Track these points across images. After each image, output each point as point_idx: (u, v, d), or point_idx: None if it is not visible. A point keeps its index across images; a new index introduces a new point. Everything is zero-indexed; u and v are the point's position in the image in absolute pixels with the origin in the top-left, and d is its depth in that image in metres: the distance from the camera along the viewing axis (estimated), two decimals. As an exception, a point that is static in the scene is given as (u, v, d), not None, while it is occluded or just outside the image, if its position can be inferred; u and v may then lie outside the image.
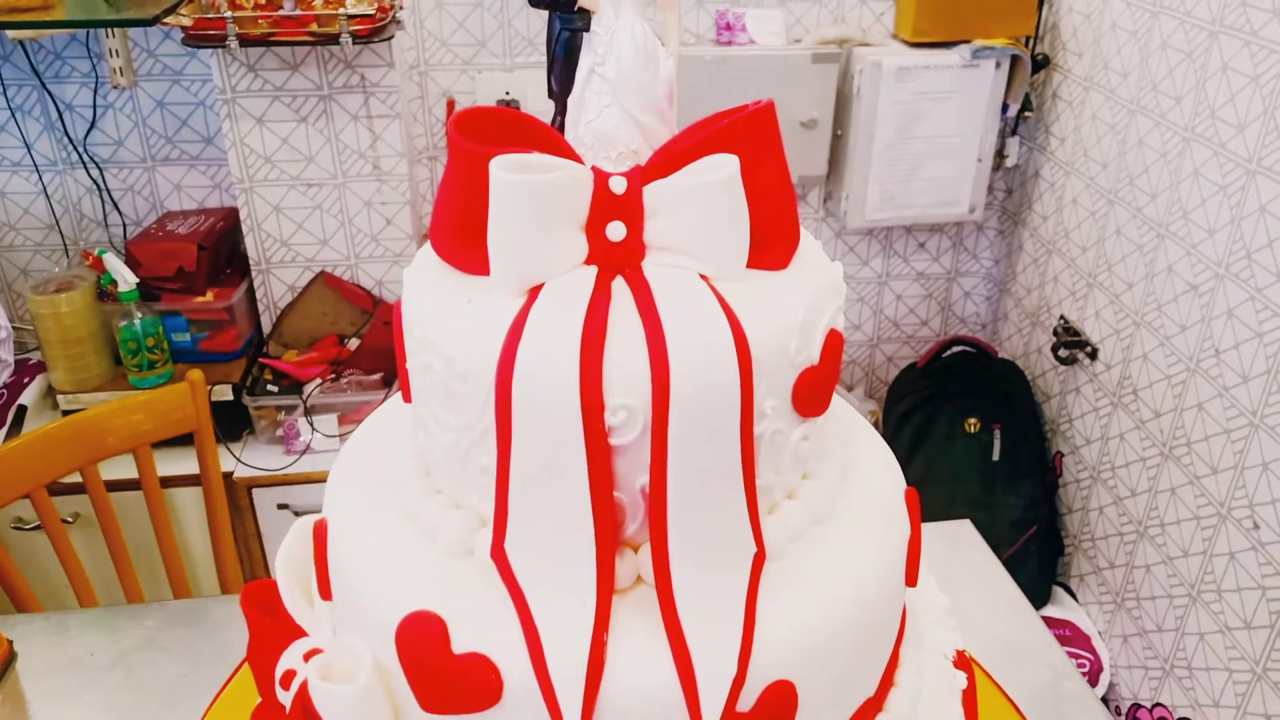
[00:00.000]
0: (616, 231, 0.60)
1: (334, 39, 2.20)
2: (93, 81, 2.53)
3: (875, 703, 0.70)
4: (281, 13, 2.25)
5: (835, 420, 0.75)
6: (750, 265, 0.63)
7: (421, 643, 0.59)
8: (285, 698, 0.69)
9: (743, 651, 0.58)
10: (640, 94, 0.61)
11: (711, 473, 0.58)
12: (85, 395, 2.48)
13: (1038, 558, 2.58)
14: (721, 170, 0.57)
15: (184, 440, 1.93)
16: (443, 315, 0.61)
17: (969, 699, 0.76)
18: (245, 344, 2.61)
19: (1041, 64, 2.56)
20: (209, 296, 2.54)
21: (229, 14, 2.15)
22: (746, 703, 0.59)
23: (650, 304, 0.57)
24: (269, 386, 2.55)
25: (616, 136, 0.62)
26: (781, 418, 0.62)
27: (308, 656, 0.67)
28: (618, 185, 0.60)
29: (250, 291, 2.61)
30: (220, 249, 2.59)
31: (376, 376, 2.57)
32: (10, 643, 1.02)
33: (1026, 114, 2.62)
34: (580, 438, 0.55)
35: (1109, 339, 2.46)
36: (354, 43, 2.20)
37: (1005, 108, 2.58)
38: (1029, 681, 0.98)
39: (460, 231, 0.61)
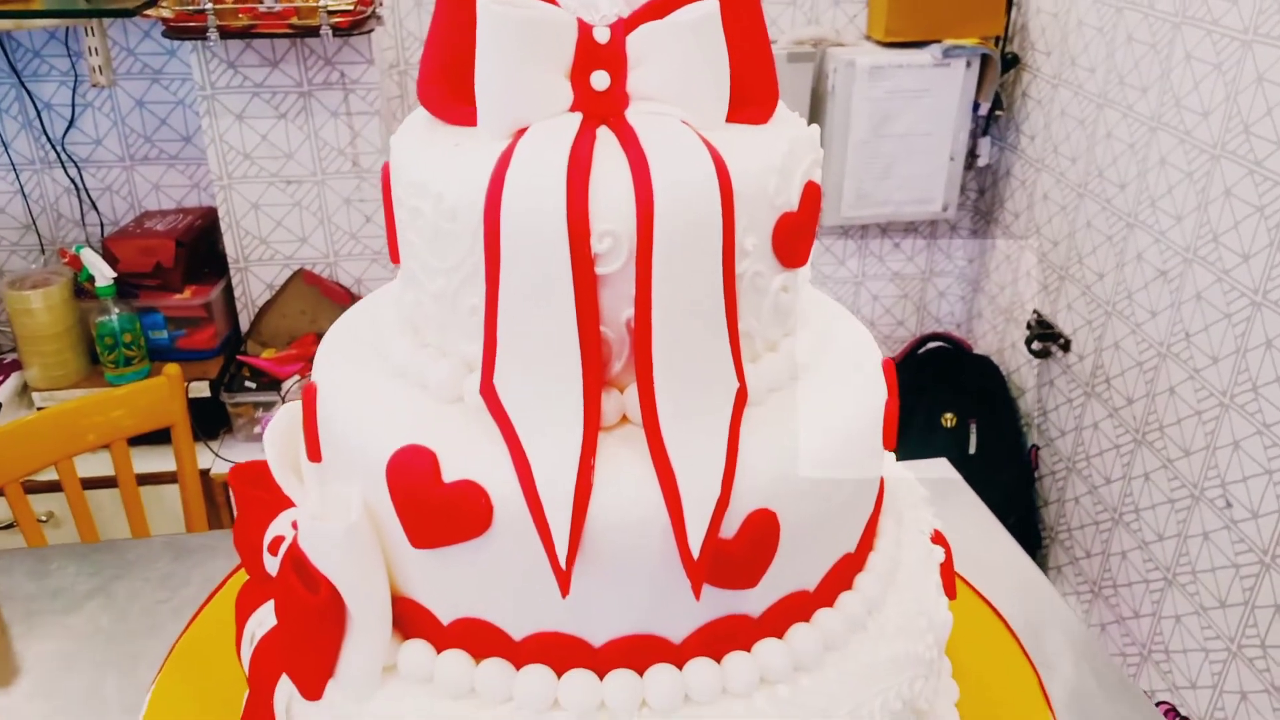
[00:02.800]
0: (600, 80, 0.61)
1: (314, 31, 2.22)
2: (71, 80, 2.53)
3: (856, 561, 0.71)
4: (262, 7, 2.26)
5: (818, 301, 0.76)
6: (730, 120, 0.64)
7: (412, 474, 0.59)
8: (273, 563, 0.69)
9: (725, 477, 0.58)
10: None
11: (695, 305, 0.59)
12: (60, 393, 2.46)
13: (1016, 550, 2.58)
14: (701, 11, 0.59)
15: (161, 439, 1.91)
16: (430, 157, 0.62)
17: (947, 571, 0.77)
18: (223, 342, 2.60)
19: (1011, 63, 2.62)
20: (187, 294, 2.53)
21: (209, 6, 2.17)
22: (730, 529, 0.60)
23: (634, 140, 0.59)
24: (247, 383, 2.54)
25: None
26: (762, 260, 0.63)
27: (296, 524, 0.67)
28: (601, 34, 0.61)
29: (228, 289, 2.60)
30: (198, 247, 2.58)
31: (354, 373, 2.56)
32: (-13, 574, 1.02)
33: (998, 113, 2.67)
34: (567, 265, 0.56)
35: (1081, 330, 2.49)
36: (334, 35, 2.22)
37: (976, 106, 2.63)
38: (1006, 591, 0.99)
39: (448, 80, 0.62)
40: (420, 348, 0.66)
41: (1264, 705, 1.99)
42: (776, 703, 0.64)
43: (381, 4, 2.41)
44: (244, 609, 0.72)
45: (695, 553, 0.57)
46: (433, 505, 0.59)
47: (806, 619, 0.67)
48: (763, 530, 0.61)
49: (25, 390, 2.47)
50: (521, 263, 0.57)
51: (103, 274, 2.36)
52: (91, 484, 1.91)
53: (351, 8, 2.26)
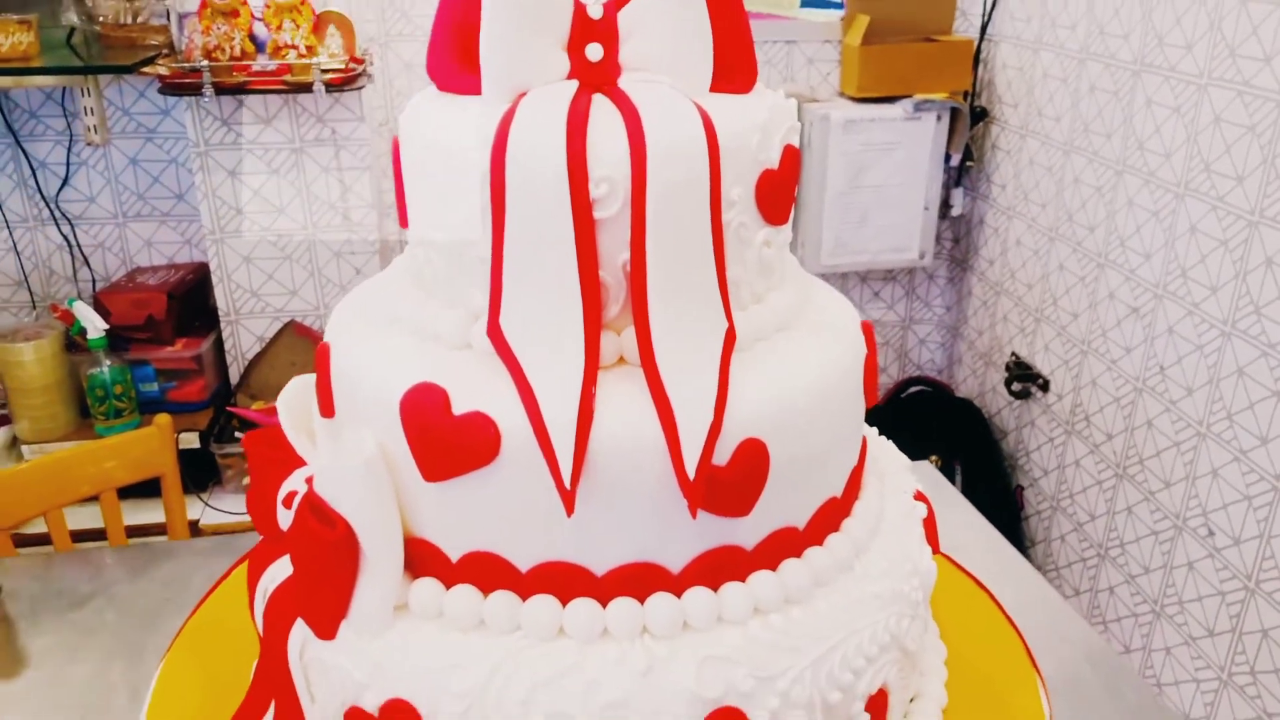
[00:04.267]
0: (595, 52, 0.66)
1: (307, 88, 2.29)
2: (66, 139, 2.59)
3: (843, 506, 0.74)
4: (256, 65, 2.34)
5: (800, 270, 0.80)
6: (714, 90, 0.69)
7: (424, 408, 0.63)
8: (286, 517, 0.71)
9: (717, 405, 0.62)
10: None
11: (686, 248, 0.63)
12: (50, 445, 2.47)
13: (1003, 588, 2.60)
14: (687, -15, 0.64)
15: (149, 492, 1.90)
16: (440, 119, 0.67)
17: (929, 526, 0.80)
18: (212, 395, 2.62)
19: (980, 115, 2.71)
20: (177, 346, 2.56)
21: (205, 64, 2.24)
22: (723, 457, 0.63)
23: (627, 100, 0.63)
24: (236, 434, 2.55)
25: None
26: (747, 212, 0.68)
27: (310, 478, 0.69)
28: (595, 10, 0.66)
29: (218, 342, 2.63)
30: (190, 300, 2.62)
31: (344, 423, 2.58)
32: (-6, 574, 1.03)
33: (969, 163, 2.76)
34: (567, 209, 0.60)
35: (1059, 369, 2.54)
36: (327, 91, 2.29)
37: (948, 158, 2.72)
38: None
39: (455, 52, 0.67)
40: (428, 301, 0.70)
41: (1255, 732, 1.99)
42: (770, 630, 0.66)
43: (372, 63, 2.49)
44: (256, 570, 0.74)
45: (691, 473, 0.61)
46: (444, 437, 0.62)
47: (797, 555, 0.70)
48: (753, 459, 0.64)
49: (15, 444, 2.48)
50: (525, 208, 0.61)
51: (95, 326, 2.39)
52: (80, 536, 1.91)
53: (343, 66, 2.33)
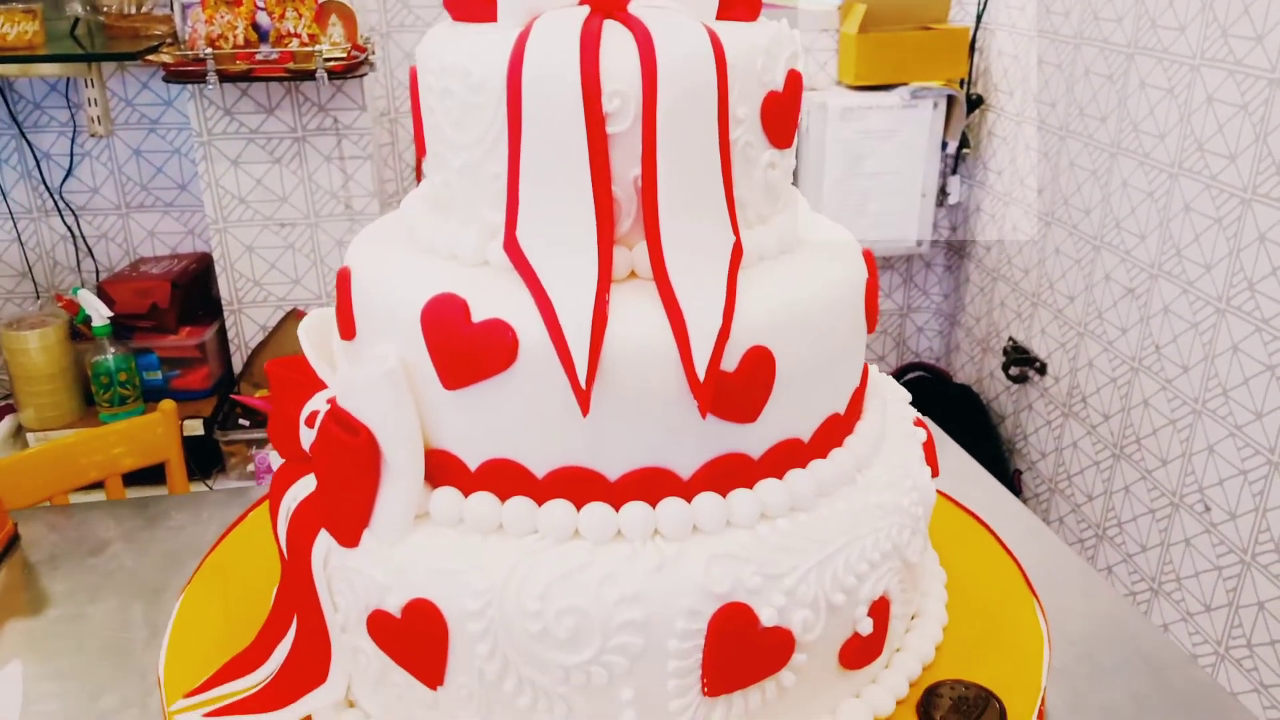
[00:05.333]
0: (605, -19, 0.69)
1: (309, 75, 2.31)
2: (70, 130, 2.61)
3: (846, 424, 0.77)
4: (259, 55, 2.36)
5: (804, 202, 0.82)
6: (720, 18, 0.72)
7: (444, 317, 0.65)
8: (309, 436, 0.73)
9: (726, 312, 0.64)
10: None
11: (695, 162, 0.65)
12: (54, 433, 2.48)
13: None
14: (694, -92, 0.67)
15: (154, 479, 1.91)
16: (457, 44, 0.69)
17: (929, 449, 0.83)
18: (216, 383, 2.64)
19: (976, 103, 2.74)
20: (181, 334, 2.58)
21: (209, 52, 2.26)
22: (731, 362, 0.66)
23: (637, 21, 0.66)
24: (240, 421, 2.57)
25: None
26: (752, 132, 0.70)
27: (332, 398, 0.72)
28: (605, -63, 0.69)
29: (222, 331, 2.65)
30: (193, 289, 2.64)
31: (347, 410, 2.59)
32: (15, 524, 1.04)
33: (965, 151, 2.79)
34: (581, 123, 0.63)
35: (1056, 352, 2.57)
36: (329, 79, 2.31)
37: (945, 145, 2.74)
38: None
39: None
40: (446, 222, 0.72)
41: (1254, 704, 2.01)
42: (777, 533, 0.68)
43: (374, 52, 2.52)
44: (278, 491, 0.76)
45: (701, 375, 0.63)
46: (463, 344, 0.64)
47: (802, 466, 0.72)
48: (760, 365, 0.67)
49: (20, 432, 2.49)
50: (540, 123, 0.63)
51: (99, 313, 2.40)
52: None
53: (346, 54, 2.36)
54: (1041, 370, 2.61)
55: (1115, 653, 0.92)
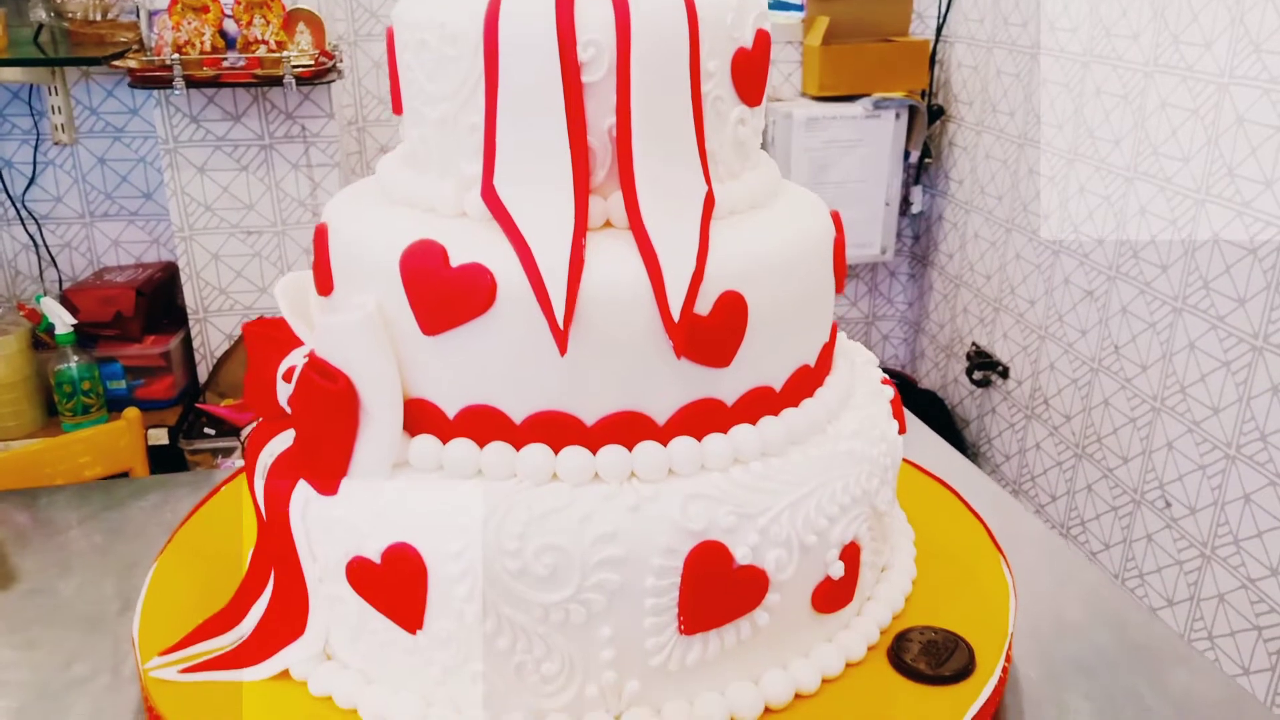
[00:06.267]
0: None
1: (277, 81, 2.31)
2: (33, 138, 2.60)
3: (816, 376, 0.78)
4: (226, 63, 2.36)
5: (774, 165, 0.84)
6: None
7: (423, 262, 0.66)
8: (286, 390, 0.74)
9: (699, 256, 0.66)
10: None
11: (668, 112, 0.67)
12: (15, 443, 2.45)
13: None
14: None
15: None
16: (434, -2, 0.71)
17: (896, 405, 0.84)
18: (181, 393, 2.61)
19: (937, 114, 2.79)
20: (146, 343, 2.56)
21: (175, 57, 2.26)
22: (704, 306, 0.67)
23: (610, -28, 0.67)
24: (206, 430, 2.54)
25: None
26: (723, 86, 0.72)
27: (310, 352, 0.72)
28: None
29: (187, 340, 2.63)
30: (158, 298, 2.62)
31: (314, 419, 2.58)
32: (-19, 501, 1.04)
33: (927, 160, 2.84)
34: (557, 72, 0.64)
35: (1018, 356, 2.61)
36: (297, 85, 2.32)
37: (907, 155, 2.79)
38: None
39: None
40: (422, 176, 0.74)
41: (1214, 696, 2.04)
42: (750, 475, 0.70)
43: (342, 60, 2.53)
44: (254, 448, 0.76)
45: (676, 315, 0.64)
46: (442, 287, 0.65)
47: (774, 414, 0.74)
48: (733, 309, 0.68)
49: (-20, 441, 2.45)
50: (516, 73, 0.65)
51: (63, 321, 2.38)
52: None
53: (313, 61, 2.36)
54: (1004, 374, 2.65)
55: (1078, 608, 0.94)
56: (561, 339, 0.63)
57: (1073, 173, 2.39)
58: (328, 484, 0.69)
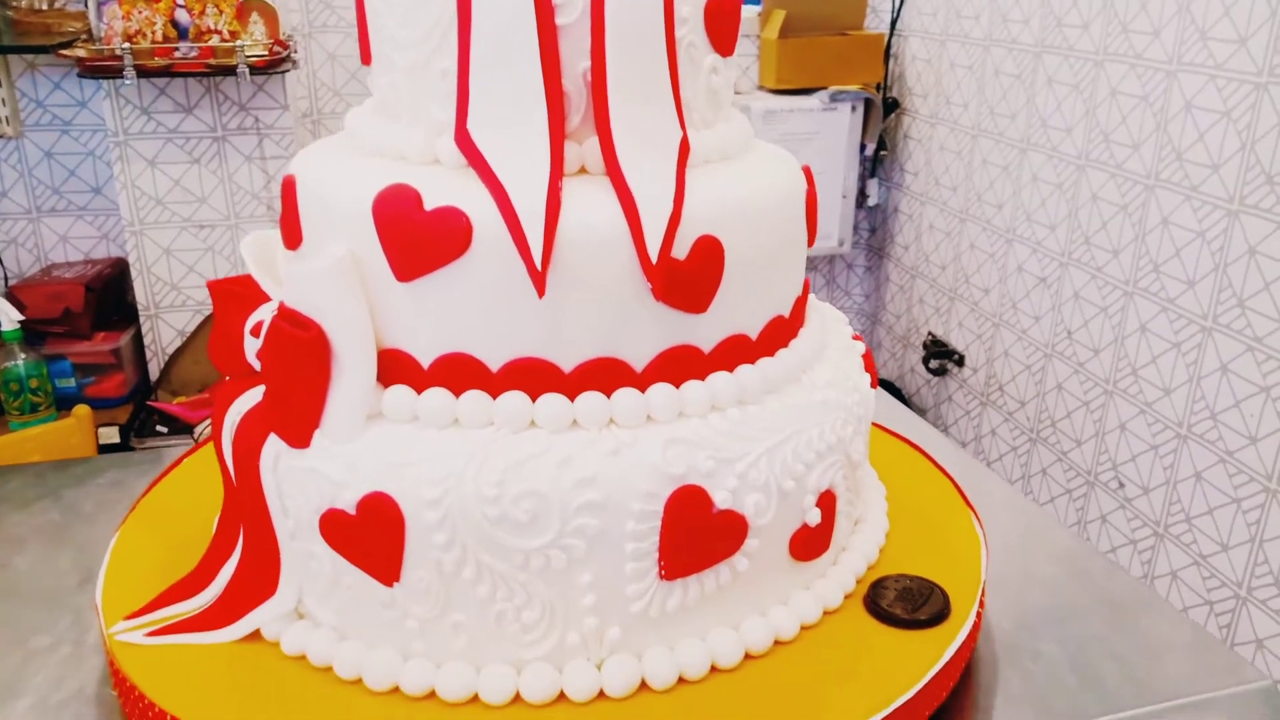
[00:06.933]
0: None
1: (231, 70, 2.28)
2: (-22, 132, 2.54)
3: (790, 327, 0.79)
4: (178, 54, 2.33)
5: (746, 121, 0.85)
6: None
7: (396, 206, 0.65)
8: (253, 347, 0.72)
9: (676, 199, 0.66)
10: None
11: (643, 56, 0.67)
12: (-40, 442, 2.39)
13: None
14: None
15: None
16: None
17: (868, 360, 0.85)
18: (132, 390, 2.57)
19: (892, 106, 2.82)
20: (95, 340, 2.51)
21: (126, 46, 2.22)
22: (681, 250, 0.67)
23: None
24: (158, 428, 2.50)
25: None
26: (696, 33, 0.72)
27: (279, 306, 0.71)
28: None
29: (138, 337, 2.59)
30: (108, 294, 2.58)
31: (271, 415, 2.55)
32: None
33: (883, 153, 2.86)
34: (531, 13, 0.64)
35: (973, 344, 2.64)
36: (251, 75, 2.29)
37: (863, 148, 2.82)
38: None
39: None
40: (392, 124, 0.73)
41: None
42: (729, 421, 0.70)
43: (296, 50, 2.50)
44: (221, 406, 0.74)
45: (654, 257, 0.64)
46: (417, 231, 0.65)
47: (751, 362, 0.74)
48: (710, 253, 0.68)
49: (-76, 441, 2.39)
50: (490, 13, 0.65)
51: (9, 317, 2.33)
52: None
53: (268, 51, 2.34)
54: (960, 362, 2.68)
55: (1046, 563, 0.96)
56: (539, 280, 0.63)
57: (1025, 162, 2.42)
58: (299, 436, 0.68)
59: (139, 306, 2.56)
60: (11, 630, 0.84)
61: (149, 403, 2.55)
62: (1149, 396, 2.07)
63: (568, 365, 0.68)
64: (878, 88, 2.80)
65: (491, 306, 0.66)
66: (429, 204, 0.65)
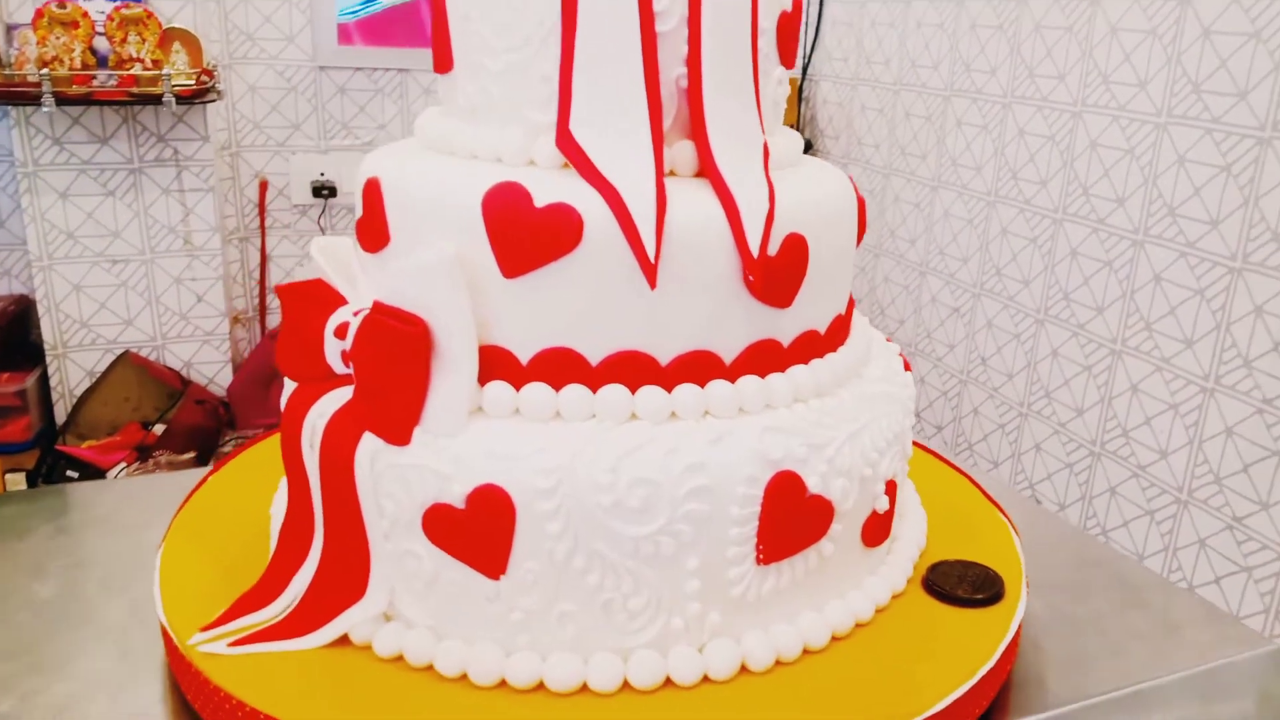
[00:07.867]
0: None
1: (156, 99, 2.24)
2: None
3: (846, 324, 0.83)
4: (96, 82, 2.26)
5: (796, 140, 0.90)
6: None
7: (507, 202, 0.67)
8: (335, 348, 0.72)
9: (770, 197, 0.70)
10: None
11: (732, 64, 0.71)
12: None
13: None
14: None
15: None
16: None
17: (903, 358, 0.91)
18: (37, 435, 2.46)
19: (805, 149, 2.93)
20: (-1, 380, 2.39)
21: (44, 72, 2.16)
22: (774, 246, 0.71)
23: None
24: (68, 474, 2.40)
25: None
26: (770, 44, 0.77)
27: (358, 313, 0.71)
28: None
29: (44, 379, 2.48)
30: (11, 334, 2.46)
31: (189, 456, 2.47)
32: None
33: (795, 190, 2.97)
34: (635, 19, 0.67)
35: (890, 373, 2.75)
36: (177, 103, 2.25)
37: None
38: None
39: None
40: (481, 128, 0.75)
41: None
42: (812, 411, 0.74)
43: (219, 81, 2.46)
44: (296, 412, 0.74)
45: (755, 251, 0.68)
46: (528, 227, 0.66)
47: (821, 356, 0.78)
48: (797, 250, 0.72)
49: None
50: (596, 19, 0.68)
51: (-93, 357, 2.21)
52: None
53: (194, 80, 2.30)
54: (877, 391, 2.77)
55: (1058, 553, 1.02)
56: (651, 272, 0.66)
57: (937, 199, 2.55)
58: (400, 433, 0.68)
59: (46, 346, 2.46)
60: (54, 660, 0.80)
61: (57, 447, 2.44)
62: (1062, 418, 2.20)
63: (665, 358, 0.70)
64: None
65: (597, 301, 0.68)
66: (539, 201, 0.67)
